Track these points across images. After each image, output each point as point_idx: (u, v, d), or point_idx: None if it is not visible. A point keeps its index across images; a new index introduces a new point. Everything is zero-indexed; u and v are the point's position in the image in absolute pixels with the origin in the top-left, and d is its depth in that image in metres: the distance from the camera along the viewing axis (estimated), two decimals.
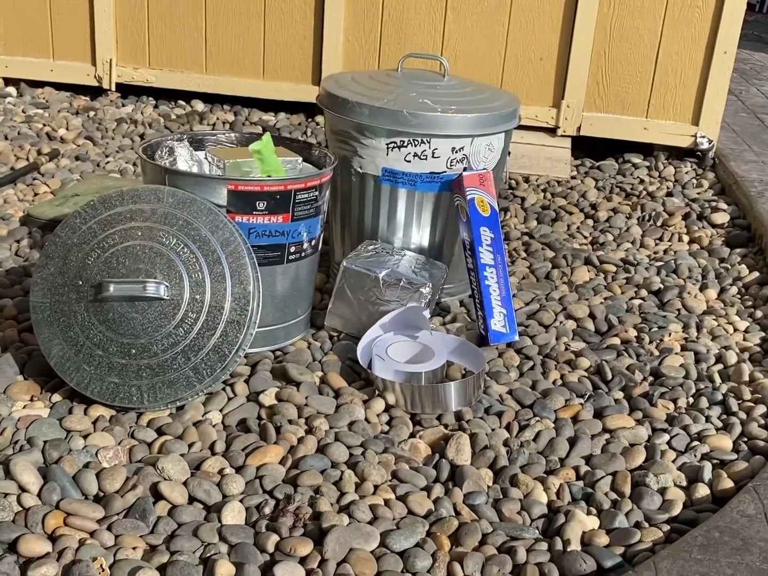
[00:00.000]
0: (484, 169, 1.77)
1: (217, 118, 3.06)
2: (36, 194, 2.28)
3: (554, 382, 1.58)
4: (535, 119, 3.02)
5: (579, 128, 3.01)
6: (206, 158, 1.56)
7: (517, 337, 1.67)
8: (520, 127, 3.01)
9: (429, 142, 1.69)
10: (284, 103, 3.15)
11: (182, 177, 1.44)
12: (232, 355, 1.35)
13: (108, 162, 2.56)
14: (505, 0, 2.92)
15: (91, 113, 2.99)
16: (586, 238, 2.36)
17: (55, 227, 2.00)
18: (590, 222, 2.47)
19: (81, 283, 1.36)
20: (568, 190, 2.70)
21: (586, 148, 3.06)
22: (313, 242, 1.57)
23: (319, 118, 3.11)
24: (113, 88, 3.19)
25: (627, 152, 3.03)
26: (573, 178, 2.84)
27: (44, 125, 2.85)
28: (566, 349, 1.70)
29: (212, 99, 3.19)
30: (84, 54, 3.18)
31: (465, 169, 1.74)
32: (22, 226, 2.05)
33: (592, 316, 1.84)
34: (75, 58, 3.20)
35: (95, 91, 3.22)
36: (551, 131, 3.04)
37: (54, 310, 1.37)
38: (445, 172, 1.73)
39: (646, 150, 3.02)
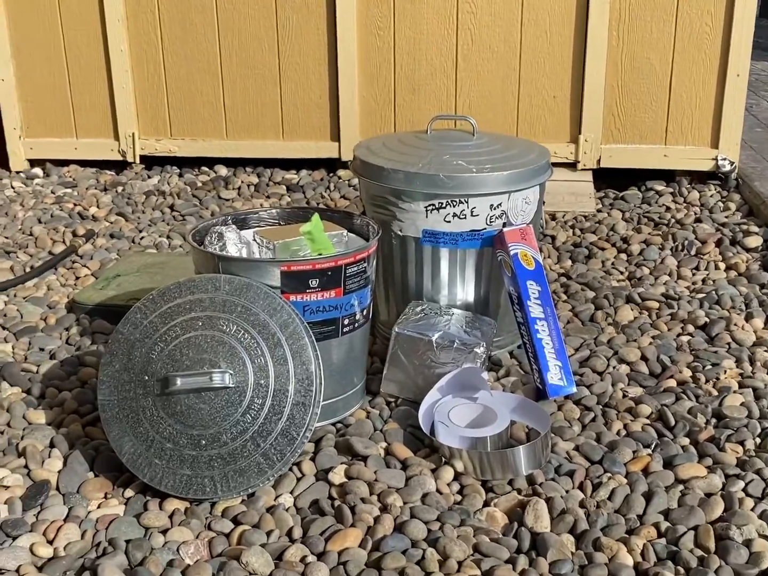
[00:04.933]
0: (522, 223, 1.78)
1: (242, 182, 3.10)
2: (77, 278, 2.32)
3: (618, 433, 1.58)
4: (554, 156, 3.04)
5: (599, 161, 3.03)
6: (254, 240, 1.59)
7: (575, 389, 1.68)
8: None
9: (467, 202, 1.71)
10: (305, 160, 3.20)
11: (235, 262, 1.47)
12: (300, 438, 1.36)
13: (143, 237, 2.60)
14: (515, 43, 2.96)
15: (119, 188, 3.04)
16: (622, 273, 2.36)
17: (103, 312, 2.06)
18: (624, 256, 2.48)
19: (147, 378, 1.38)
20: (596, 225, 2.71)
21: (608, 179, 3.08)
22: (364, 312, 1.58)
23: (341, 173, 3.15)
24: (137, 160, 3.24)
25: (649, 180, 3.04)
26: (599, 211, 2.85)
27: (75, 205, 2.90)
28: (624, 396, 1.70)
29: (234, 163, 3.24)
30: (106, 130, 3.25)
31: (504, 225, 1.76)
32: (69, 313, 2.08)
33: (644, 358, 1.84)
34: (98, 135, 3.26)
35: (120, 165, 3.28)
36: (572, 166, 3.06)
37: (122, 407, 1.38)
38: (485, 228, 1.75)
39: (668, 176, 3.04)
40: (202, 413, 1.35)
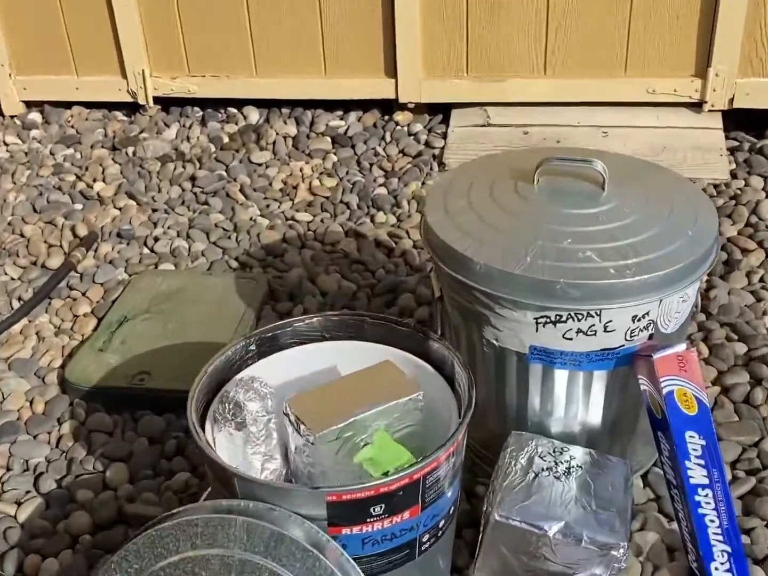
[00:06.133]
0: (675, 327, 1.23)
1: (277, 133, 2.51)
2: (75, 317, 1.84)
3: None
4: (674, 94, 2.36)
5: (731, 100, 2.35)
6: (286, 412, 1.07)
7: None
8: (655, 104, 2.41)
9: (599, 315, 1.16)
10: (353, 99, 2.57)
11: (259, 485, 0.97)
12: None
13: (156, 239, 2.08)
14: None
15: (130, 149, 2.48)
16: None
17: (101, 396, 1.59)
18: None
19: None
20: (731, 203, 2.09)
21: (735, 119, 2.39)
22: (451, 510, 1.09)
23: (399, 116, 2.52)
24: (151, 102, 2.66)
25: None
26: (733, 176, 2.21)
27: (77, 178, 2.37)
28: None
29: (267, 103, 2.63)
30: (111, 66, 2.64)
31: (651, 336, 1.21)
32: (62, 393, 1.63)
33: None
34: (101, 72, 2.66)
35: (132, 106, 2.69)
36: (696, 106, 2.38)
37: None
38: (622, 346, 1.20)
39: None
40: None
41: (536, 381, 1.25)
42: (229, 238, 2.07)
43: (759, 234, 1.97)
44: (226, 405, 1.05)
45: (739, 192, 2.13)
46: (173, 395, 1.52)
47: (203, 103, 2.66)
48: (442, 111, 2.51)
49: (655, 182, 1.34)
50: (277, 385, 1.16)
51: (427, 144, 2.41)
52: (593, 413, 1.29)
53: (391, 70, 2.48)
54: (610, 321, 1.17)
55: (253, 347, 1.17)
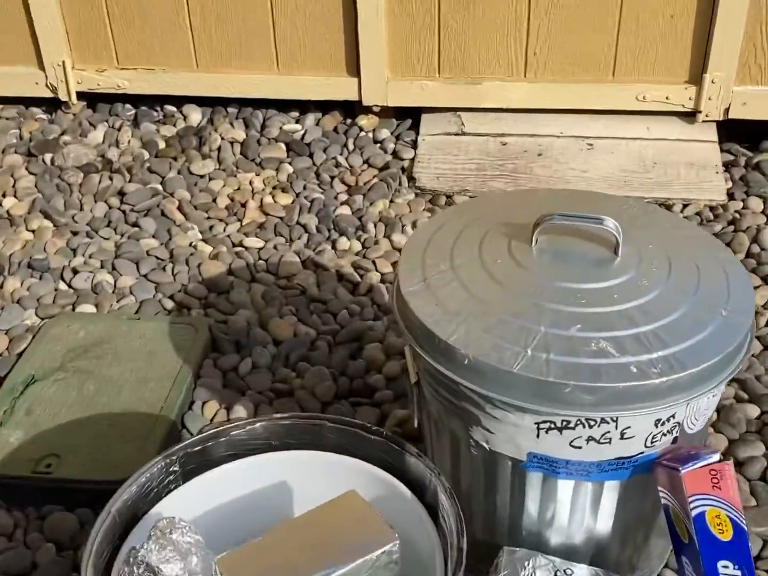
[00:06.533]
0: (703, 424, 1.00)
1: (222, 137, 2.21)
2: None
3: None
4: (665, 102, 2.13)
5: (727, 110, 2.12)
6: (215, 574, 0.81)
7: None
8: (645, 113, 2.17)
9: (616, 421, 0.92)
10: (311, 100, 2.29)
11: None
12: None
13: (75, 271, 1.78)
14: None
15: (47, 156, 2.16)
16: None
17: (2, 486, 1.30)
18: None
19: None
20: (729, 228, 1.87)
21: (728, 131, 2.17)
22: None
23: (363, 121, 2.24)
24: (74, 98, 2.33)
25: None
26: (731, 196, 1.99)
27: None
28: None
29: (211, 101, 2.33)
30: (26, 55, 2.29)
31: (675, 440, 0.98)
32: None
33: None
34: (15, 62, 2.31)
35: (54, 102, 2.37)
36: (689, 116, 2.15)
37: None
38: (641, 453, 0.97)
39: None
40: None
41: (534, 490, 1.01)
42: (164, 269, 1.78)
43: (764, 268, 1.75)
44: (134, 569, 0.79)
45: (737, 216, 1.92)
46: (87, 487, 1.25)
47: (136, 99, 2.35)
48: (411, 115, 2.24)
49: (674, 239, 1.09)
50: (210, 511, 0.90)
51: (394, 154, 2.14)
52: (601, 523, 1.05)
53: (354, 68, 2.19)
54: (629, 427, 0.93)
55: (176, 467, 0.91)
